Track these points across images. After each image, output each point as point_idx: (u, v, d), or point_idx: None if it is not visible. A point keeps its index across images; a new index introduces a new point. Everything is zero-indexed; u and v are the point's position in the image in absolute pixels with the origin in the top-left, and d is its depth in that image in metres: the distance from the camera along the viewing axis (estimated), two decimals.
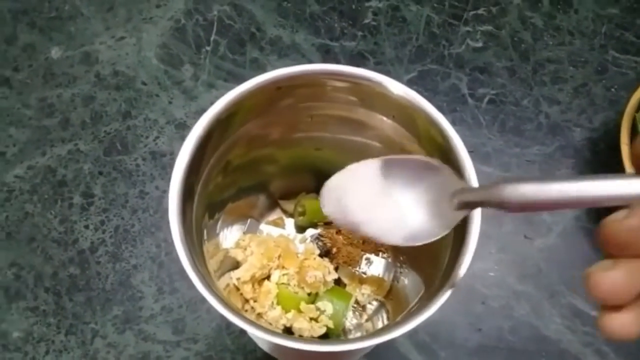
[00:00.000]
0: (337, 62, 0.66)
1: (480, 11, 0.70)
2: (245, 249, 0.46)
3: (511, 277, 0.57)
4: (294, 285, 0.46)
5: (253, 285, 0.46)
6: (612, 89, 0.66)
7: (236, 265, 0.47)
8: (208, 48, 0.67)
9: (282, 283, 0.46)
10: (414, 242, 0.34)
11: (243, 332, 0.53)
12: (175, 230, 0.37)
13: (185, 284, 0.55)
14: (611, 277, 0.23)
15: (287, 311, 0.45)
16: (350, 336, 0.48)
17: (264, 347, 0.52)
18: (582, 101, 0.65)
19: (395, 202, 0.35)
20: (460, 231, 0.38)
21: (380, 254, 0.52)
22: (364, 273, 0.51)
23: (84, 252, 0.57)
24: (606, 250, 0.23)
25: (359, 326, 0.49)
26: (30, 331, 0.54)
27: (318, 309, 0.46)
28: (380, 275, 0.50)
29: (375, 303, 0.51)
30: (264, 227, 0.52)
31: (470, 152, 0.39)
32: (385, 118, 0.43)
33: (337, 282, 0.49)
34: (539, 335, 0.55)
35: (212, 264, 0.43)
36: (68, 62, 0.66)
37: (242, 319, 0.34)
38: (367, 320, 0.50)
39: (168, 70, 0.65)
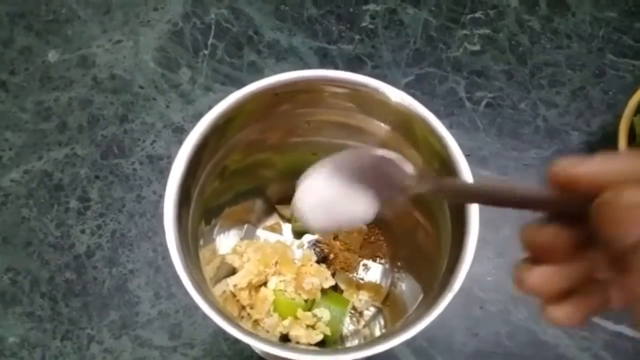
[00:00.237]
0: (335, 65, 0.66)
1: (477, 14, 0.70)
2: (242, 255, 0.46)
3: (509, 281, 0.57)
4: (291, 292, 0.46)
5: (250, 292, 0.45)
6: (610, 93, 0.66)
7: (233, 271, 0.47)
8: (205, 51, 0.67)
9: (279, 290, 0.46)
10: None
11: None
12: (170, 236, 0.36)
13: (182, 289, 0.55)
14: (532, 277, 0.23)
15: (284, 318, 0.45)
16: (348, 343, 0.48)
17: (261, 353, 0.52)
18: (580, 105, 0.65)
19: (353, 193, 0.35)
20: (458, 237, 0.38)
21: (378, 259, 0.52)
22: (362, 279, 0.50)
23: (81, 256, 0.57)
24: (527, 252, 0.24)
25: (356, 332, 0.49)
26: (26, 337, 0.54)
27: (315, 315, 0.45)
28: (378, 282, 0.50)
29: (372, 309, 0.50)
30: (261, 233, 0.52)
31: (467, 155, 0.39)
32: (382, 124, 0.43)
33: (335, 288, 0.49)
34: (536, 340, 0.55)
35: (208, 271, 0.43)
36: (65, 65, 0.65)
37: (236, 327, 0.33)
38: (364, 327, 0.49)
39: (165, 74, 0.65)
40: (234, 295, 0.46)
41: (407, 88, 0.65)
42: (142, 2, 0.69)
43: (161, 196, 0.59)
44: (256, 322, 0.45)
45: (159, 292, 0.55)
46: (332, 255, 0.50)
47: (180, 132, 0.62)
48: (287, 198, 0.54)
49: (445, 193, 0.33)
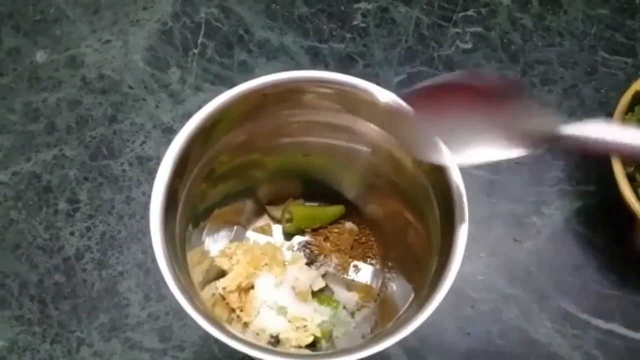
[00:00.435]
0: (326, 64, 0.66)
1: (469, 12, 0.69)
2: (231, 258, 0.46)
3: (500, 280, 0.57)
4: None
5: (239, 295, 0.45)
6: (602, 90, 0.65)
7: (222, 274, 0.46)
8: (195, 51, 0.66)
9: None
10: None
11: None
12: (156, 240, 0.36)
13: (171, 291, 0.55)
14: None
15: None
16: (338, 344, 0.47)
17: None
18: (572, 103, 0.65)
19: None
20: (447, 237, 0.38)
21: (368, 260, 0.52)
22: (352, 280, 0.50)
23: (70, 259, 0.56)
24: None
25: (347, 334, 0.49)
26: (15, 340, 0.53)
27: (304, 318, 0.45)
28: (368, 282, 0.50)
29: (363, 310, 0.50)
30: (251, 235, 0.52)
31: None
32: (372, 125, 0.43)
33: (325, 289, 0.49)
34: (528, 338, 0.55)
35: (197, 273, 0.42)
36: (53, 65, 0.65)
37: (223, 331, 0.33)
38: (355, 328, 0.49)
39: (155, 74, 0.65)
40: (224, 298, 0.45)
41: (399, 87, 0.65)
42: (131, 2, 0.68)
43: (151, 197, 0.58)
44: (246, 325, 0.45)
45: (149, 295, 0.55)
46: (322, 257, 0.50)
47: (170, 133, 0.61)
48: (277, 199, 0.54)
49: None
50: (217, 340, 0.53)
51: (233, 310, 0.45)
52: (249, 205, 0.53)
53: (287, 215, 0.52)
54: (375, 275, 0.50)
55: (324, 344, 0.46)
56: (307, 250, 0.51)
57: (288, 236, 0.53)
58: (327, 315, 0.46)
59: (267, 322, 0.45)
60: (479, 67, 0.66)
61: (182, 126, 0.39)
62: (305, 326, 0.45)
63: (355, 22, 0.69)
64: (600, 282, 0.56)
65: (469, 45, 0.68)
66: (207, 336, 0.53)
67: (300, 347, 0.45)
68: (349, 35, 0.68)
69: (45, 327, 0.54)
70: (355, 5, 0.69)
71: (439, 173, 0.39)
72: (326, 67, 0.66)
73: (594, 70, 0.66)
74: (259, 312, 0.45)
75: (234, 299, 0.45)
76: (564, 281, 0.56)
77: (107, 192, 0.59)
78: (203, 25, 0.68)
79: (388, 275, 0.51)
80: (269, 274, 0.46)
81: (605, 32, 0.68)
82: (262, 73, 0.40)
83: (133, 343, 0.53)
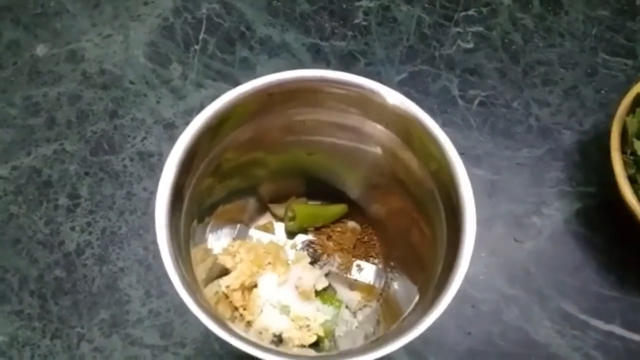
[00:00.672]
0: (327, 62, 0.66)
1: (470, 12, 0.70)
2: (235, 256, 0.46)
3: (501, 280, 0.57)
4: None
5: (242, 293, 0.45)
6: (602, 92, 0.66)
7: (225, 272, 0.46)
8: (197, 47, 0.66)
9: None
10: None
11: None
12: (162, 237, 0.36)
13: (173, 288, 0.54)
14: None
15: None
16: (341, 344, 0.47)
17: None
18: (573, 103, 0.65)
19: None
20: (453, 240, 0.38)
21: (371, 259, 0.52)
22: (355, 280, 0.50)
23: (70, 254, 0.56)
24: None
25: (349, 333, 0.49)
26: (15, 335, 0.53)
27: (307, 317, 0.45)
28: (371, 282, 0.50)
29: (365, 309, 0.50)
30: (254, 233, 0.52)
31: (461, 154, 0.39)
32: (378, 125, 0.43)
33: (327, 288, 0.49)
34: (528, 339, 0.55)
35: (200, 271, 0.42)
36: (54, 60, 0.64)
37: (225, 329, 0.33)
38: (357, 327, 0.49)
39: (156, 69, 0.64)
40: (227, 296, 0.45)
41: (401, 86, 0.65)
42: None
43: (152, 193, 0.58)
44: (249, 324, 0.45)
45: (149, 291, 0.55)
46: (325, 256, 0.50)
47: (171, 128, 0.61)
48: (280, 197, 0.54)
49: None
50: (218, 338, 0.53)
51: (236, 308, 0.45)
52: (251, 203, 0.53)
53: (289, 214, 0.52)
54: (378, 274, 0.50)
55: (326, 343, 0.46)
56: (310, 250, 0.51)
57: (290, 234, 0.53)
58: (329, 315, 0.46)
59: (270, 321, 0.45)
60: (480, 67, 0.66)
61: (183, 122, 0.38)
62: (308, 325, 0.45)
63: (356, 20, 0.68)
64: (600, 283, 0.57)
65: (471, 45, 0.68)
66: (208, 333, 0.53)
67: (303, 346, 0.45)
68: (350, 33, 0.68)
69: (46, 323, 0.53)
70: (357, 3, 0.69)
71: (445, 175, 0.39)
72: (327, 65, 0.66)
73: (594, 71, 0.67)
74: (262, 311, 0.45)
75: (237, 298, 0.45)
76: (563, 282, 0.57)
77: (108, 187, 0.59)
78: (204, 21, 0.67)
79: (391, 275, 0.51)
80: (272, 273, 0.46)
81: (606, 33, 0.69)
82: (264, 70, 0.40)
83: (134, 339, 0.53)
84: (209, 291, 0.44)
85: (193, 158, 0.40)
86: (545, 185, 0.61)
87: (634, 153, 0.53)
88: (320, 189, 0.53)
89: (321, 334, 0.45)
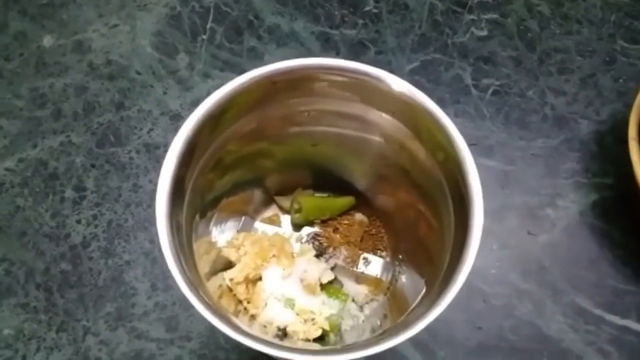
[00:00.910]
0: (337, 51, 0.65)
1: None
2: (239, 249, 0.45)
3: (513, 274, 0.56)
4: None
5: (247, 286, 0.44)
6: (620, 80, 0.64)
7: (229, 265, 0.45)
8: (204, 36, 0.65)
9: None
10: None
11: None
12: (162, 230, 0.35)
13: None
14: None
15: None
16: (347, 338, 0.47)
17: None
18: (589, 92, 0.63)
19: None
20: (461, 231, 0.37)
21: (378, 252, 0.51)
22: (362, 273, 0.49)
23: (76, 247, 0.56)
24: None
25: (355, 327, 0.48)
26: (21, 328, 0.53)
27: (313, 311, 0.44)
28: (379, 275, 0.49)
29: (372, 303, 0.49)
30: (259, 225, 0.51)
31: (473, 144, 0.38)
32: (384, 114, 0.42)
33: (334, 282, 0.48)
34: (540, 334, 0.53)
35: (204, 264, 0.41)
36: (60, 50, 0.64)
37: (228, 324, 0.32)
38: (363, 321, 0.48)
39: (163, 60, 0.64)
40: (231, 290, 0.44)
41: (412, 74, 0.63)
42: None
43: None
44: (253, 317, 0.44)
45: (155, 284, 0.54)
46: (331, 249, 0.49)
47: (178, 120, 0.60)
48: (286, 189, 0.53)
49: None
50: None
51: (240, 302, 0.45)
52: (257, 195, 0.52)
53: (296, 206, 0.51)
54: (385, 268, 0.49)
55: (332, 337, 0.45)
56: (316, 242, 0.50)
57: (297, 227, 0.52)
58: (335, 309, 0.45)
59: (275, 314, 0.44)
60: (494, 55, 0.64)
61: (190, 113, 0.38)
62: (313, 319, 0.44)
63: (367, 8, 0.67)
64: (616, 277, 0.55)
65: (485, 33, 0.66)
66: (214, 327, 0.53)
67: (308, 340, 0.44)
68: (360, 21, 0.66)
69: (51, 316, 0.53)
70: None
71: (453, 165, 0.37)
72: (337, 54, 0.64)
73: (612, 59, 0.65)
74: (266, 304, 0.44)
75: (241, 291, 0.44)
76: (578, 275, 0.55)
77: (114, 179, 0.58)
78: (212, 10, 0.66)
79: (398, 268, 0.50)
80: (277, 266, 0.45)
81: (625, 20, 0.67)
82: (272, 59, 0.39)
83: (139, 333, 0.53)
84: (213, 284, 0.43)
85: (194, 149, 0.39)
86: (561, 176, 0.59)
87: None
88: (327, 180, 0.51)
89: (326, 327, 0.44)
